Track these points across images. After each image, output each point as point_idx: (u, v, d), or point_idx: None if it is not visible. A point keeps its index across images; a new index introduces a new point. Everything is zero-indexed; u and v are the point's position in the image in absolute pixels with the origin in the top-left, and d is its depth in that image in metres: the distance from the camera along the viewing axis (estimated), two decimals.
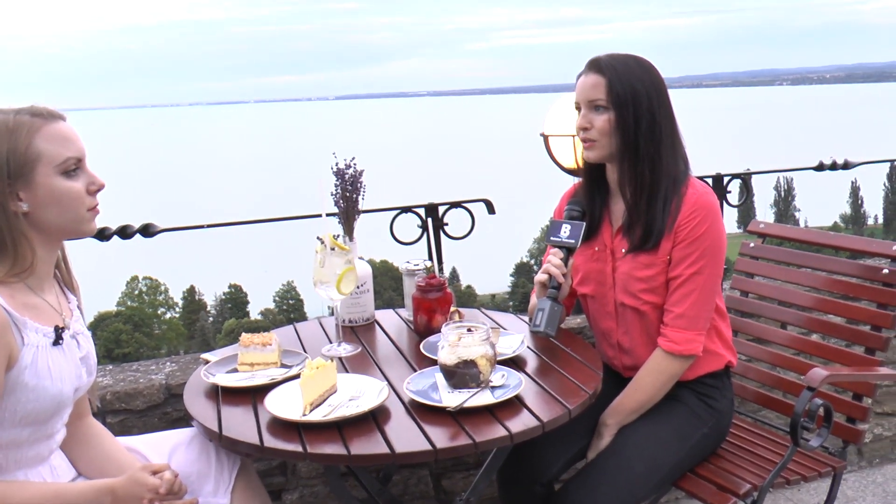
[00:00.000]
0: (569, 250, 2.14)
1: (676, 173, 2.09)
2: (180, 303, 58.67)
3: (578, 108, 2.14)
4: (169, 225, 2.98)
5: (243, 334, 2.07)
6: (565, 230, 2.14)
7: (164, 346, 50.94)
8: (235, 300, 59.41)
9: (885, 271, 2.21)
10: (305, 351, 2.22)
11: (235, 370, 2.05)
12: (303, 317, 55.24)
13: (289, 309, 57.54)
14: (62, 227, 1.62)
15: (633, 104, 2.06)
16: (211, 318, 57.95)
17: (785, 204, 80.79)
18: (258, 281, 60.41)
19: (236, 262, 68.75)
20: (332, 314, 2.32)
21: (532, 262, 69.41)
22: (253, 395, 1.91)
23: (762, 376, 2.53)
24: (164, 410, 2.53)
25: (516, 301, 56.18)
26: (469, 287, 51.45)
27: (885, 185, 76.09)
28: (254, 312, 56.87)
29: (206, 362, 2.14)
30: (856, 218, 78.68)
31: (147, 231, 2.89)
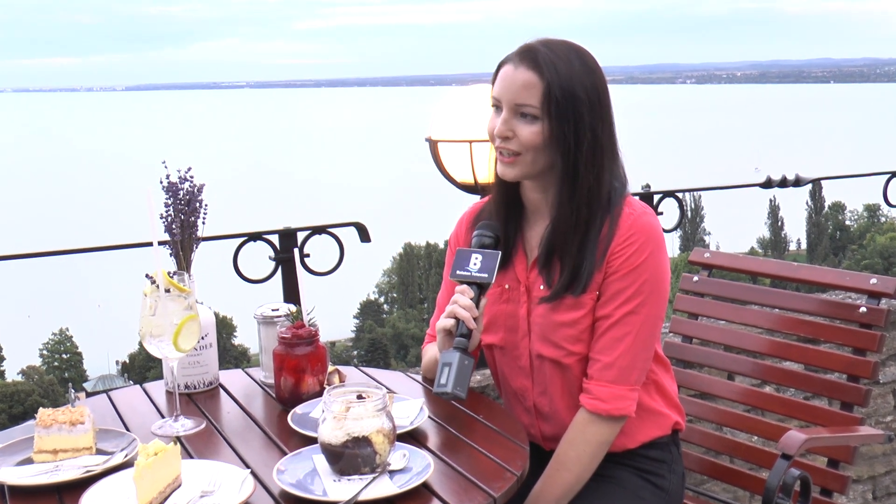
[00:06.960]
0: (480, 287, 2.13)
1: (611, 193, 2.12)
2: None
3: (497, 107, 2.12)
4: None
5: (41, 410, 1.94)
6: (475, 262, 2.13)
7: None
8: None
9: (863, 310, 2.33)
10: (129, 429, 2.12)
11: (30, 460, 1.93)
12: (82, 376, 53.11)
13: (63, 366, 55.25)
14: None
15: (573, 118, 2.05)
16: None
17: (692, 226, 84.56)
18: (17, 330, 57.67)
19: None
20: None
21: (381, 299, 69.56)
22: (59, 496, 1.81)
23: (708, 439, 2.60)
24: None
25: (362, 349, 56.24)
26: None
27: (807, 204, 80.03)
28: (11, 372, 54.03)
29: None
30: (776, 243, 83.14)
31: None
